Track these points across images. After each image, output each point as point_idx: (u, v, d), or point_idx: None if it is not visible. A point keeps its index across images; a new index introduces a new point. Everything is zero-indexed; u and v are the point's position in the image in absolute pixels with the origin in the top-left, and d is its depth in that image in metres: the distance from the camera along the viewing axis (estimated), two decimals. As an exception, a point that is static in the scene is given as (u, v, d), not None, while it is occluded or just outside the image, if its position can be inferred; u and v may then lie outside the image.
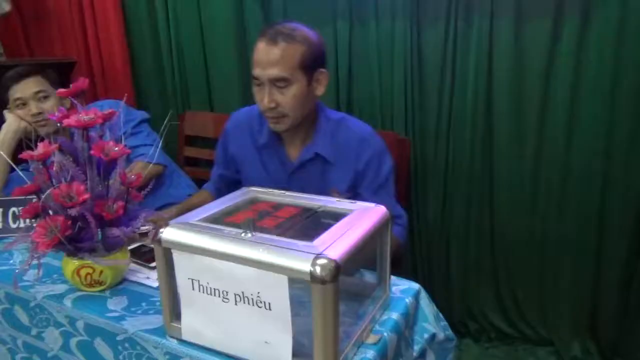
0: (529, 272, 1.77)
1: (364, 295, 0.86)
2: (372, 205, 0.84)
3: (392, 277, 0.95)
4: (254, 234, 0.71)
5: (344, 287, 0.87)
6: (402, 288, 0.94)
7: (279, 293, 0.66)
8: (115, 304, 0.90)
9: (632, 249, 1.60)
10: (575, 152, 1.60)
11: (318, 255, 0.64)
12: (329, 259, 0.64)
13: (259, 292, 0.68)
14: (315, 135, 1.23)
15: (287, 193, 0.92)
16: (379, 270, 0.86)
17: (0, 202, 1.13)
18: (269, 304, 0.68)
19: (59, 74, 1.65)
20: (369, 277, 0.89)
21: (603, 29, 1.47)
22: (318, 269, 0.63)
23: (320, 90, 1.19)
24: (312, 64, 1.14)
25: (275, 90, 1.13)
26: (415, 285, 0.95)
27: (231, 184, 1.40)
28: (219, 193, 1.39)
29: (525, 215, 1.72)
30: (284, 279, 0.65)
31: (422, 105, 1.75)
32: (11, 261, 1.09)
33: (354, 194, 1.22)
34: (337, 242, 0.69)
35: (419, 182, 1.81)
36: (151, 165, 1.60)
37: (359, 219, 0.78)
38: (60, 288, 0.96)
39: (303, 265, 0.64)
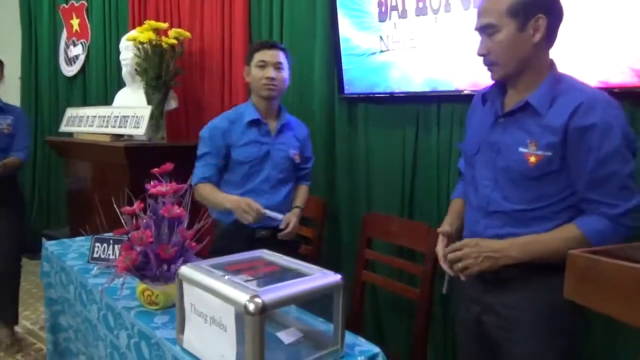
0: None
1: (324, 344, 1.09)
2: (331, 272, 1.09)
3: (359, 338, 1.16)
4: (230, 277, 1.03)
5: (310, 335, 1.12)
6: (362, 349, 1.13)
7: (230, 318, 0.96)
8: (159, 319, 1.27)
9: None
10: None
11: (254, 295, 0.93)
12: (260, 299, 0.92)
13: (221, 317, 0.99)
14: (538, 87, 1.19)
15: (285, 258, 1.21)
16: (334, 325, 1.08)
17: (103, 239, 1.66)
18: (225, 326, 0.98)
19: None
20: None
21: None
22: (251, 305, 0.92)
23: (537, 37, 1.16)
24: (523, 8, 1.14)
25: (485, 37, 1.20)
26: (375, 349, 1.13)
27: None
28: None
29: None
30: (231, 308, 0.95)
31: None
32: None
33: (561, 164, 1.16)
34: (275, 290, 0.97)
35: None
36: None
37: (310, 281, 1.04)
38: (133, 304, 1.37)
39: (243, 299, 0.93)
